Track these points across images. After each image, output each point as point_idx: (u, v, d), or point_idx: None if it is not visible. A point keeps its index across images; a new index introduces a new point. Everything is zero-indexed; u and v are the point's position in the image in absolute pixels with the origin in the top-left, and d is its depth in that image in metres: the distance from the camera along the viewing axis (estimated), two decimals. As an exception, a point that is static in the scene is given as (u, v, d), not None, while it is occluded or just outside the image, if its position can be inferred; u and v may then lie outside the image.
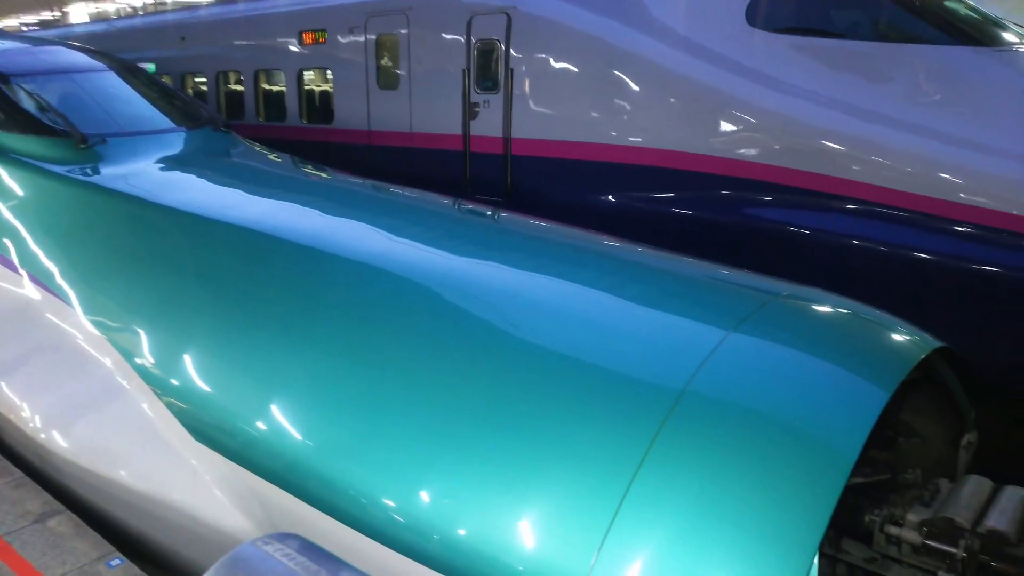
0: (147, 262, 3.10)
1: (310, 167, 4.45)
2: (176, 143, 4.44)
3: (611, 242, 2.98)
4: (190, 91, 9.88)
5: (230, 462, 2.38)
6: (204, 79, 9.42)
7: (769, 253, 4.90)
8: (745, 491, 1.69)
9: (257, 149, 4.84)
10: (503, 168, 6.35)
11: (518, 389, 2.02)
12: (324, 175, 4.19)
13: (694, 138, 5.25)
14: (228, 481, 2.40)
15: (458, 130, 6.65)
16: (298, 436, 2.23)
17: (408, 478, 1.98)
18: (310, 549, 1.62)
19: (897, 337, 2.23)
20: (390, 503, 1.99)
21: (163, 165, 4.05)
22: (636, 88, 5.52)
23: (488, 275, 2.56)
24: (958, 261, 4.31)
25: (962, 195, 4.30)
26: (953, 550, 1.81)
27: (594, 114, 5.74)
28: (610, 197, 5.81)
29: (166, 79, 9.86)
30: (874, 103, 4.62)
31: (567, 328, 2.18)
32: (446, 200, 3.73)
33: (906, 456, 2.37)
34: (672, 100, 5.34)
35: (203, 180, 3.86)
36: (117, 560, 2.39)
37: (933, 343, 2.17)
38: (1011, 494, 1.93)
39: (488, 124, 6.40)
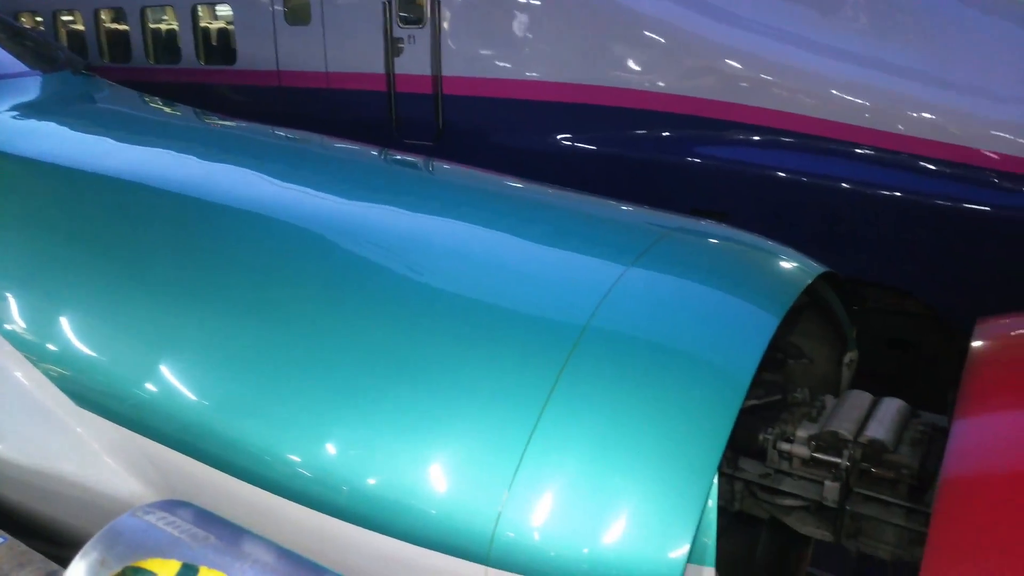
0: (9, 220, 2.85)
1: (193, 112, 4.16)
2: (30, 89, 4.06)
3: (514, 183, 2.95)
4: (63, 32, 8.90)
5: (120, 427, 2.25)
6: (80, 17, 8.40)
7: (723, 190, 4.88)
8: (647, 419, 1.75)
9: (126, 93, 4.48)
10: (433, 110, 5.89)
11: (419, 333, 1.99)
12: (209, 120, 3.93)
13: (646, 76, 5.06)
14: (120, 447, 2.28)
15: (380, 69, 6.10)
16: (192, 396, 2.13)
17: (311, 430, 1.94)
18: (199, 515, 1.54)
19: (785, 264, 2.32)
20: (295, 458, 1.94)
21: (16, 113, 3.70)
22: (581, 20, 5.18)
23: (384, 220, 2.49)
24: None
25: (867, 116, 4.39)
26: (838, 460, 1.93)
27: (533, 49, 5.39)
28: (557, 139, 5.52)
29: (28, 19, 8.89)
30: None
31: (467, 270, 2.16)
32: (346, 144, 3.56)
33: (795, 376, 2.50)
34: (622, 34, 5.08)
35: (66, 128, 3.55)
36: (0, 539, 2.24)
37: (818, 268, 2.27)
38: (887, 405, 2.07)
39: (415, 62, 5.91)
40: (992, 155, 4.26)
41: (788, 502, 2.05)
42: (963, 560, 1.44)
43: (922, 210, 4.33)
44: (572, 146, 5.46)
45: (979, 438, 1.62)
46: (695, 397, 1.78)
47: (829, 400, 2.19)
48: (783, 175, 4.72)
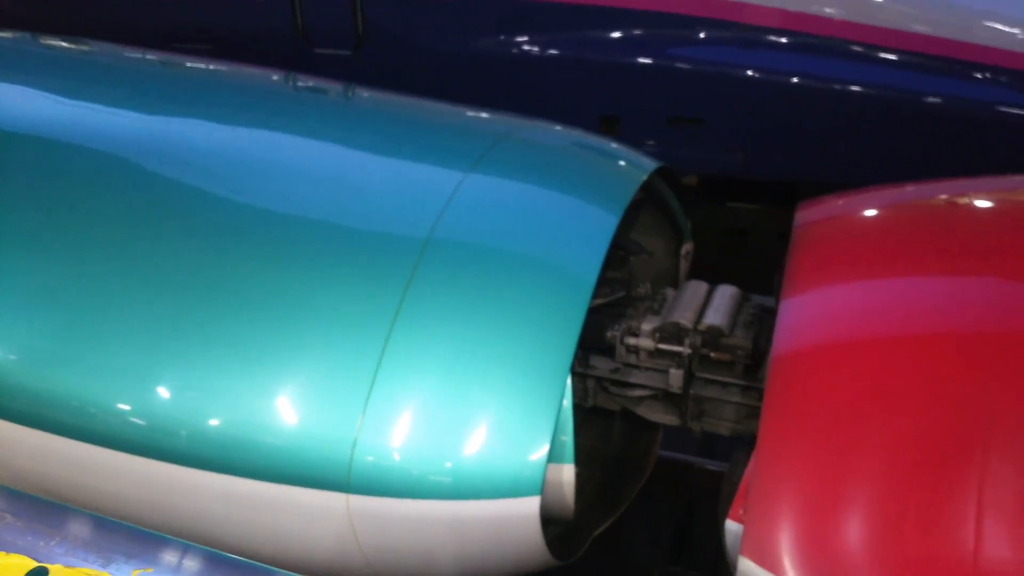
0: None
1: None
2: None
3: (346, 91, 2.77)
4: None
5: None
6: None
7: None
8: (497, 327, 1.74)
9: None
10: (350, 9, 4.74)
11: (250, 259, 1.86)
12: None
13: None
14: None
15: None
16: None
17: (138, 374, 1.78)
18: None
19: (621, 162, 2.35)
20: (123, 406, 1.78)
21: None
22: None
23: (205, 137, 2.26)
24: None
25: None
26: (680, 349, 2.02)
27: None
28: (502, 43, 4.64)
29: None
30: None
31: (298, 189, 2.02)
32: (177, 58, 3.11)
33: (637, 271, 2.57)
34: None
35: None
36: None
37: (652, 164, 2.31)
38: (722, 292, 2.18)
39: None
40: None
41: (637, 393, 2.13)
42: (794, 425, 1.55)
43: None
44: (531, 52, 4.63)
45: (803, 315, 1.73)
46: (543, 301, 1.78)
47: (669, 292, 2.28)
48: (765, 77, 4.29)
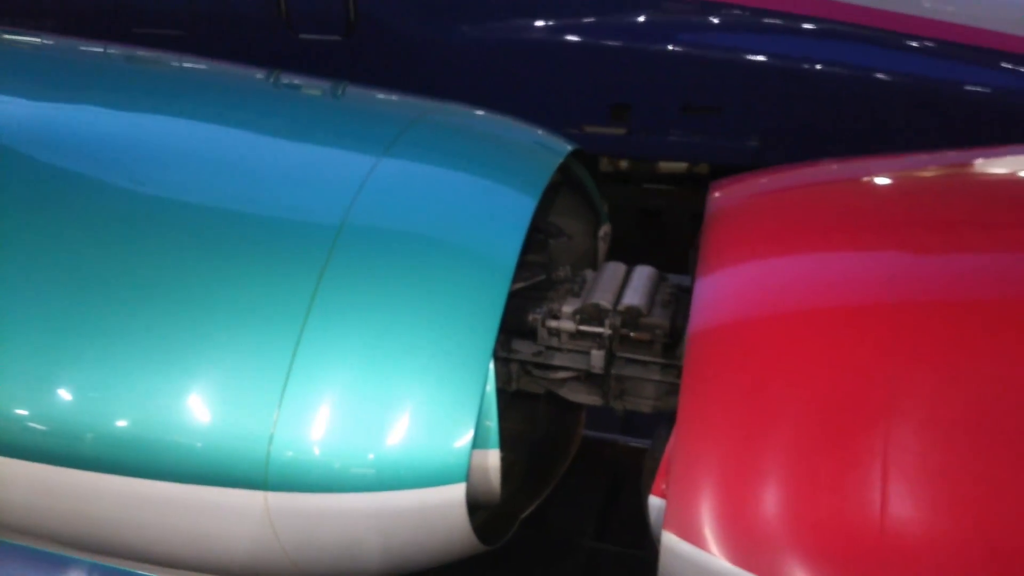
0: None
1: None
2: None
3: (256, 74, 2.66)
4: None
5: None
6: None
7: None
8: (416, 314, 1.71)
9: None
10: None
11: (156, 250, 1.77)
12: None
13: None
14: None
15: None
16: None
17: (37, 379, 1.68)
18: None
19: (537, 144, 2.35)
20: (22, 412, 1.68)
21: None
22: None
23: (106, 125, 2.14)
24: None
25: None
26: (601, 330, 2.04)
27: None
28: (510, 28, 4.34)
29: None
30: None
31: (204, 178, 1.93)
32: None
33: (557, 254, 2.59)
34: None
35: None
36: None
37: (567, 146, 2.32)
38: (640, 273, 2.21)
39: None
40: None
41: (560, 375, 2.15)
42: (711, 400, 1.59)
43: None
44: (539, 38, 4.34)
45: (717, 292, 1.77)
46: (462, 286, 1.77)
47: (589, 274, 2.29)
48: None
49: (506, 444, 1.86)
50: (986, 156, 2.25)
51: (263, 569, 1.81)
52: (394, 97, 2.49)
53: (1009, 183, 2.10)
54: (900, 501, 1.40)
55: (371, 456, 1.64)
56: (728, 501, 1.50)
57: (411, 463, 1.64)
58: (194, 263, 1.75)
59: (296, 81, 2.64)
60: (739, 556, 1.47)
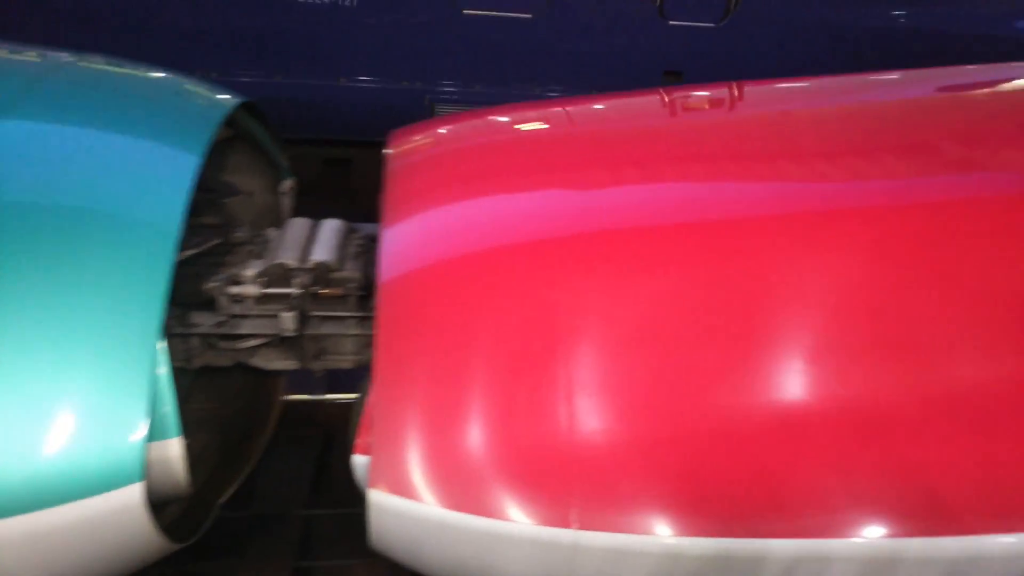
0: None
1: None
2: None
3: None
4: None
5: None
6: None
7: None
8: (67, 298, 1.48)
9: None
10: None
11: None
12: None
13: None
14: None
15: None
16: None
17: None
18: None
19: (199, 99, 2.13)
20: None
21: None
22: None
23: None
24: None
25: None
26: (289, 291, 1.93)
27: None
28: None
29: None
30: None
31: None
32: None
33: (236, 214, 2.39)
34: None
35: None
36: None
37: (234, 100, 2.13)
38: (327, 227, 2.12)
39: None
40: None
41: (249, 343, 2.00)
42: (404, 348, 1.58)
43: None
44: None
45: (402, 239, 1.75)
46: (118, 260, 1.55)
47: (272, 232, 2.15)
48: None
49: (193, 427, 1.69)
50: (650, 97, 2.45)
51: None
52: (23, 47, 2.09)
53: (673, 123, 2.31)
54: (587, 412, 1.51)
55: (28, 471, 1.39)
56: (432, 447, 1.51)
57: (76, 471, 1.42)
58: None
59: None
60: (451, 499, 1.50)
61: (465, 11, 3.95)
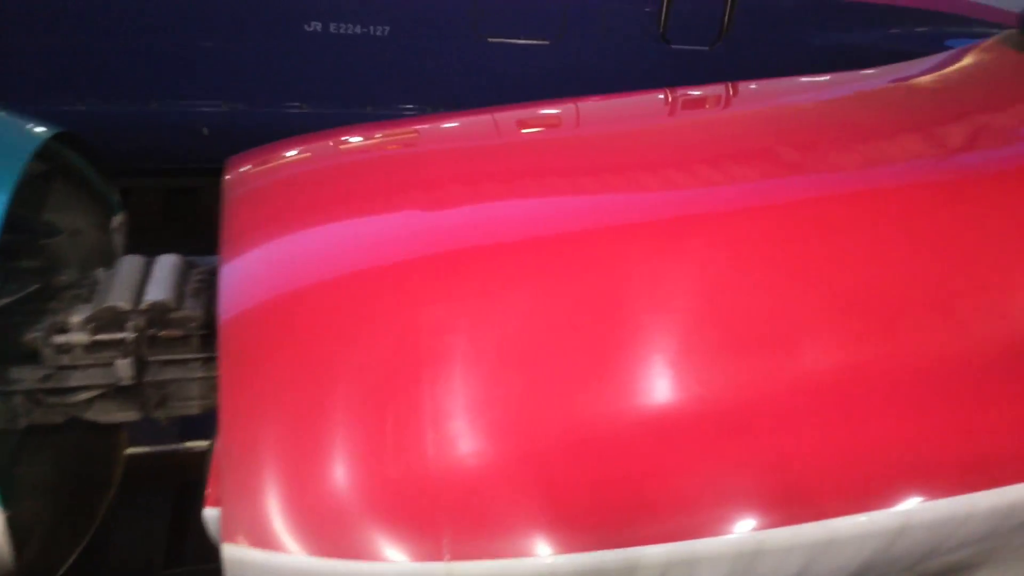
0: None
1: None
2: None
3: None
4: None
5: None
6: None
7: None
8: None
9: None
10: None
11: None
12: None
13: None
14: None
15: None
16: None
17: None
18: None
19: (7, 132, 1.93)
20: None
21: None
22: None
23: None
24: None
25: None
26: (122, 335, 1.77)
27: None
28: None
29: None
30: None
31: None
32: None
33: (60, 256, 2.19)
34: None
35: None
36: None
37: (47, 131, 1.95)
38: (162, 263, 1.97)
39: None
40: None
41: (82, 396, 1.82)
42: (251, 389, 1.47)
43: None
44: None
45: (242, 273, 1.65)
46: None
47: (101, 274, 1.98)
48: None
49: (23, 495, 1.51)
50: (506, 113, 2.44)
51: None
52: None
53: (529, 138, 2.31)
54: (450, 438, 1.46)
55: None
56: (288, 491, 1.41)
57: None
58: None
59: None
60: (314, 545, 1.40)
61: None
